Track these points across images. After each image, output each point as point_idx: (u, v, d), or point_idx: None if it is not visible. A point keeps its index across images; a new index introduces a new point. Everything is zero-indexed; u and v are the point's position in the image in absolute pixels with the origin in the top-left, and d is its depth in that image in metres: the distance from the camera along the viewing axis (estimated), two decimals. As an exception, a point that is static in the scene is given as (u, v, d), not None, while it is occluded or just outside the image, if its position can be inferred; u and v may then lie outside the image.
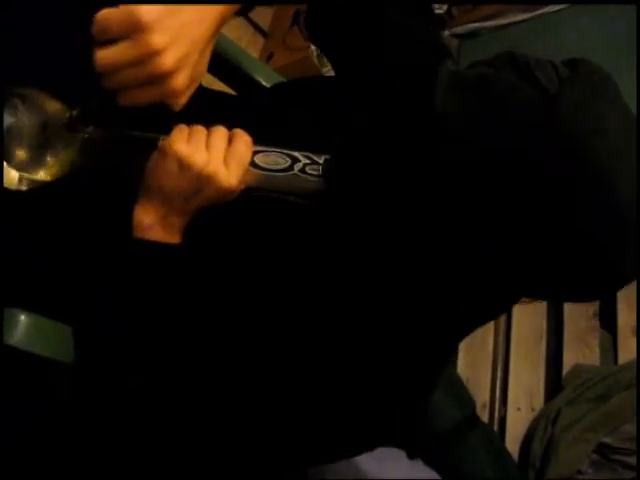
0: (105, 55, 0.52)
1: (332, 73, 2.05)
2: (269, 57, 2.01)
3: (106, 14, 0.51)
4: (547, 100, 0.52)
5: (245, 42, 2.10)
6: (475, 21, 2.05)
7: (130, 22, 0.50)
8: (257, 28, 2.16)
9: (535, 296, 0.68)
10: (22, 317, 0.64)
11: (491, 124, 0.52)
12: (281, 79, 1.02)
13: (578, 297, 0.69)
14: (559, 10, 1.87)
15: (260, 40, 2.18)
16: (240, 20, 2.02)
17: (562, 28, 1.82)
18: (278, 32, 2.08)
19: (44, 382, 0.70)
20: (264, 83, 0.99)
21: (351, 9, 0.69)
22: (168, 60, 0.52)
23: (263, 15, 2.18)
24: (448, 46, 0.73)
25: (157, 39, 0.51)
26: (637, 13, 1.72)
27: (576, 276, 0.56)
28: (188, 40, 0.54)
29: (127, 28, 0.51)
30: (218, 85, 0.94)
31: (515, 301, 0.68)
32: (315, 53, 1.91)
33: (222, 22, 0.58)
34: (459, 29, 2.06)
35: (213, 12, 0.56)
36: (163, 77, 0.53)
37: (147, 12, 0.50)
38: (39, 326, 0.65)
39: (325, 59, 1.94)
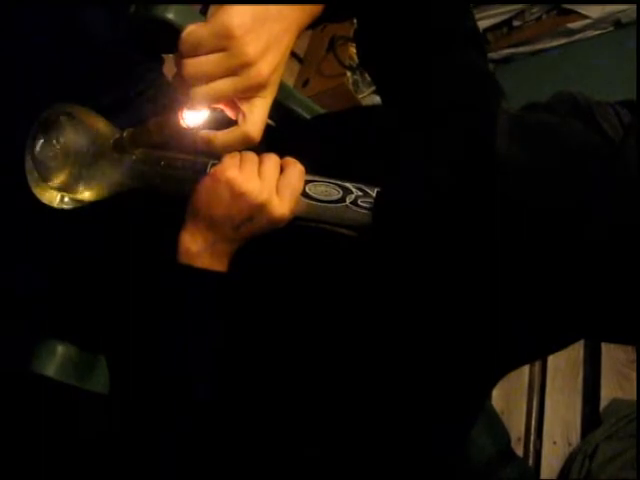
0: (197, 64, 0.51)
1: (367, 101, 2.05)
2: (305, 83, 2.03)
3: (194, 30, 0.50)
4: (612, 149, 0.51)
5: (281, 68, 2.12)
6: (510, 46, 2.06)
7: (223, 35, 0.50)
8: (293, 54, 2.18)
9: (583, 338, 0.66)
10: (59, 348, 0.64)
11: (557, 175, 0.51)
12: (317, 108, 1.03)
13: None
14: (593, 37, 1.87)
15: (296, 66, 2.19)
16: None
17: (596, 54, 1.81)
18: (314, 59, 2.09)
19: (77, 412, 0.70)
20: (302, 113, 1.00)
21: (404, 38, 0.68)
22: (264, 70, 0.52)
23: (299, 41, 2.20)
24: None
25: (252, 49, 0.51)
26: (637, 13, 1.70)
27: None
28: (278, 50, 0.53)
29: (220, 41, 0.50)
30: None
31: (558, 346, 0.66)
32: (350, 80, 1.92)
33: (299, 34, 0.57)
34: (494, 54, 2.07)
35: (295, 22, 0.55)
36: (260, 87, 0.53)
37: (239, 24, 0.50)
38: (75, 357, 0.65)
39: (361, 86, 1.95)
